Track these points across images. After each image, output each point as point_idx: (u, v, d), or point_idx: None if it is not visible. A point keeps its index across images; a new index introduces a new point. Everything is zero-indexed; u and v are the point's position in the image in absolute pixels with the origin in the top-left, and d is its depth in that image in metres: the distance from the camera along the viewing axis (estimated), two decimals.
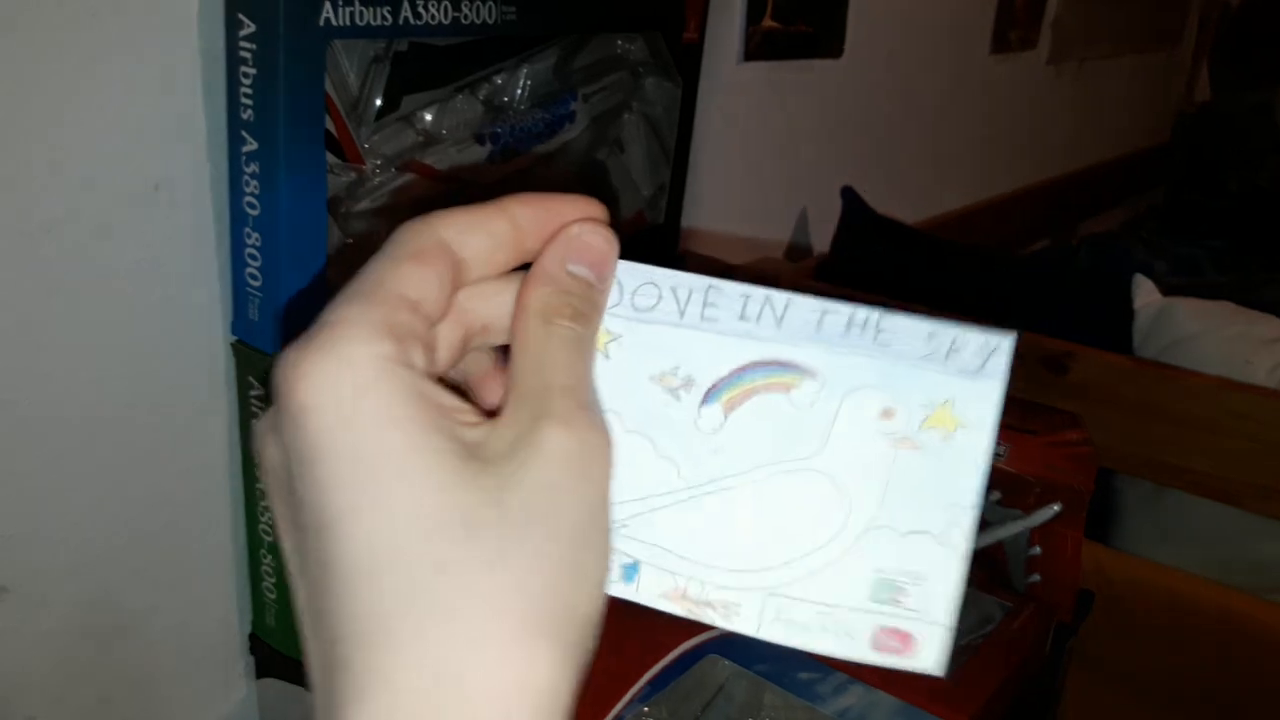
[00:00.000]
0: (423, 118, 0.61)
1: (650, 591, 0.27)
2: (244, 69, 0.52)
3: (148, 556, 0.60)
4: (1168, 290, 0.97)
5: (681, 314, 0.27)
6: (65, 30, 0.49)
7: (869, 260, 1.04)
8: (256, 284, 0.56)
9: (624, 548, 0.27)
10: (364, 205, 0.59)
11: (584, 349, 0.26)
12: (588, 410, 0.25)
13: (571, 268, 0.26)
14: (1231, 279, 1.61)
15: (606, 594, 0.24)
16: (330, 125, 0.56)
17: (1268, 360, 0.84)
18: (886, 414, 0.26)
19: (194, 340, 0.59)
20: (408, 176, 0.61)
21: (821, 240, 1.16)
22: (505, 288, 0.27)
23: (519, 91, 0.65)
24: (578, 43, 0.69)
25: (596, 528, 0.24)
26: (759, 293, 0.26)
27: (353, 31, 0.52)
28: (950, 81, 1.36)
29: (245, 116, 0.53)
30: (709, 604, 0.27)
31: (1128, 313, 0.94)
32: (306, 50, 0.51)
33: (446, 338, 0.26)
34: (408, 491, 0.22)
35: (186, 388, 0.59)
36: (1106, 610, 0.73)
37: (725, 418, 0.27)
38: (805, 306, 0.26)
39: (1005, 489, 0.69)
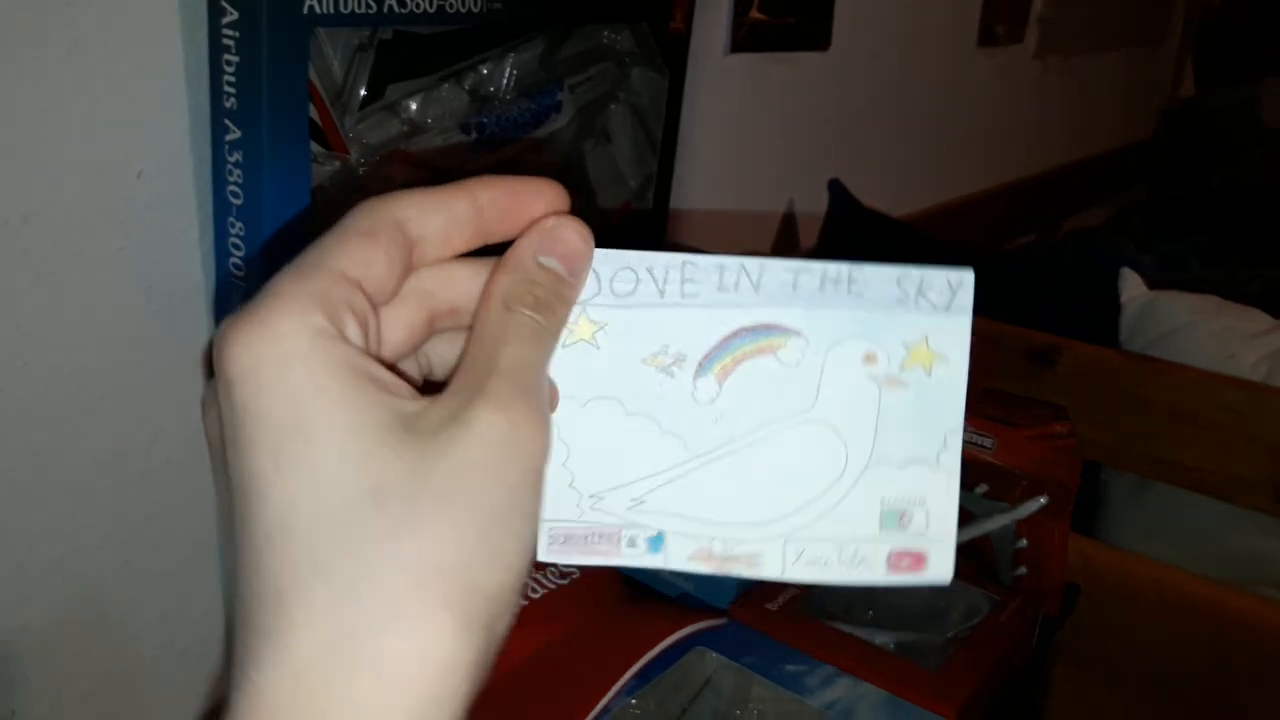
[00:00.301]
0: (408, 107, 0.60)
1: (679, 557, 0.29)
2: (227, 56, 0.51)
3: (131, 550, 0.60)
4: (1153, 285, 0.97)
5: (662, 294, 0.28)
6: (45, 17, 0.48)
7: (856, 253, 1.03)
8: (240, 274, 0.56)
9: (646, 521, 0.29)
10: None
11: (540, 339, 0.26)
12: (527, 396, 0.25)
13: (543, 259, 0.27)
14: (1216, 274, 1.62)
15: (519, 575, 0.24)
16: (314, 114, 0.55)
17: (1253, 353, 0.84)
18: (869, 359, 0.28)
19: (177, 331, 0.58)
20: (392, 166, 0.60)
21: (808, 233, 1.16)
22: (474, 272, 0.27)
23: (505, 81, 0.64)
24: (564, 33, 0.68)
25: (517, 511, 0.24)
26: (733, 262, 0.28)
27: (337, 19, 0.52)
28: (937, 75, 1.36)
29: (228, 105, 0.52)
30: (734, 559, 0.29)
31: (1114, 306, 0.94)
32: (290, 38, 0.51)
33: (405, 319, 0.27)
34: (326, 459, 0.22)
35: (170, 379, 0.58)
36: (1092, 603, 0.74)
37: (720, 387, 0.28)
38: (780, 268, 0.28)
39: (992, 482, 0.69)
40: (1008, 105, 1.59)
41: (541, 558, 0.29)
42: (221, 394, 0.23)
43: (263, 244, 0.54)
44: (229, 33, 0.51)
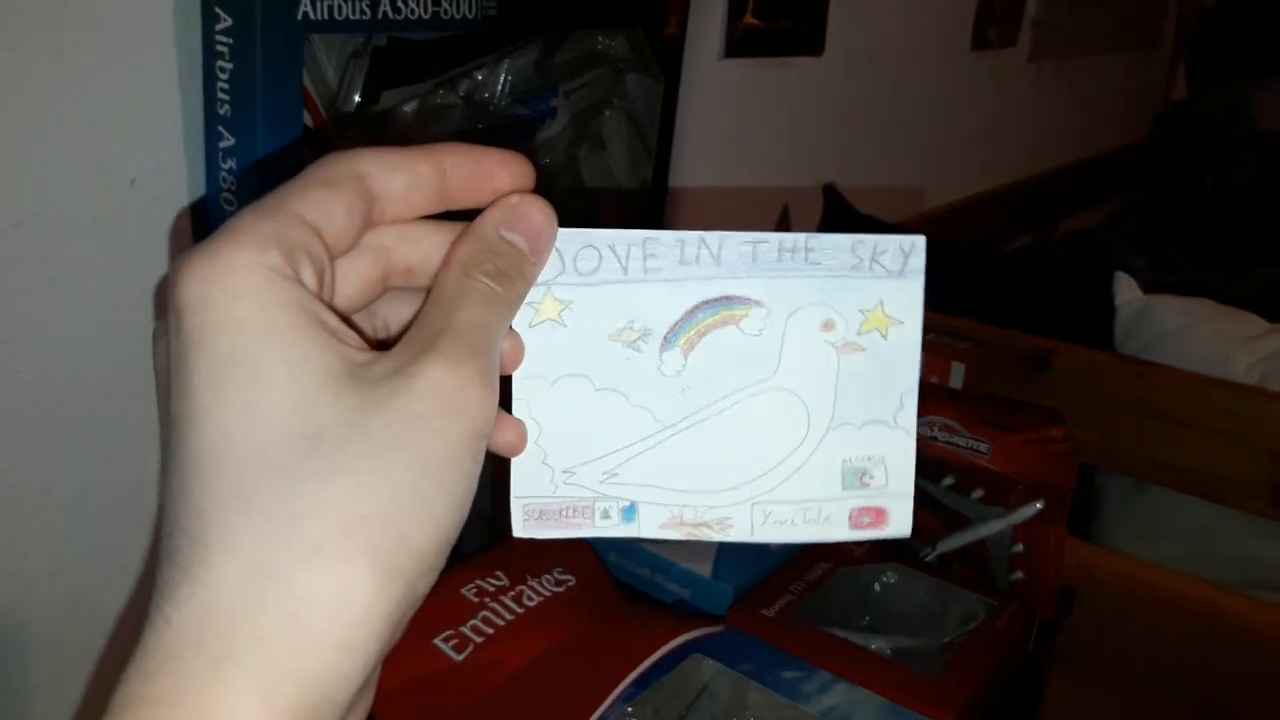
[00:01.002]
0: (403, 113, 0.60)
1: (651, 524, 0.30)
2: (221, 63, 0.51)
3: (128, 555, 0.59)
4: (1147, 287, 0.98)
5: (625, 270, 0.28)
6: (38, 23, 0.48)
7: None
8: None
9: (619, 493, 0.30)
10: None
11: (494, 307, 0.26)
12: (477, 359, 0.25)
13: (505, 233, 0.27)
14: (1209, 276, 1.62)
15: (448, 536, 0.24)
16: (309, 120, 0.55)
17: (1247, 357, 0.85)
18: (828, 325, 0.29)
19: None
20: None
21: None
22: (433, 233, 0.27)
23: (500, 87, 0.64)
24: (559, 39, 0.68)
25: (453, 469, 0.24)
26: (693, 236, 0.29)
27: (331, 26, 0.52)
28: (931, 79, 1.36)
29: (222, 111, 0.52)
30: (705, 524, 0.30)
31: (1109, 309, 0.94)
32: (284, 44, 0.51)
33: (360, 272, 0.27)
34: (265, 395, 0.22)
35: None
36: (1087, 606, 0.74)
37: (686, 359, 0.29)
38: (738, 241, 0.29)
39: (987, 486, 0.69)
40: (1001, 109, 1.59)
41: (517, 534, 0.30)
42: (172, 323, 0.23)
43: None
44: (223, 39, 0.50)
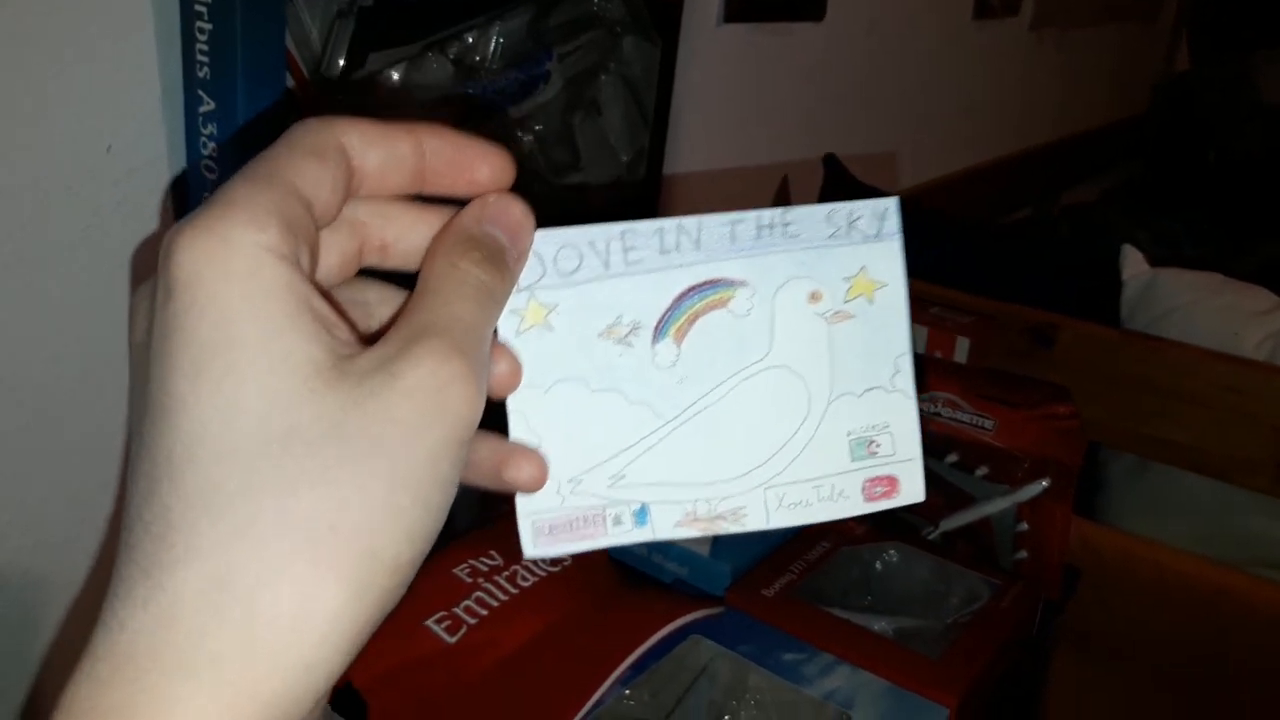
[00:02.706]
0: (390, 77, 0.58)
1: (665, 525, 0.29)
2: (199, 24, 0.49)
3: (109, 539, 0.58)
4: (1150, 262, 0.96)
5: (607, 265, 0.28)
6: None
7: None
8: None
9: (629, 495, 0.29)
10: None
11: (481, 299, 0.25)
12: (464, 357, 0.24)
13: (487, 227, 0.26)
14: (1210, 251, 1.61)
15: (422, 546, 0.23)
16: (291, 84, 0.53)
17: (1257, 332, 0.83)
18: (814, 297, 0.29)
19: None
20: None
21: None
22: (407, 211, 0.27)
23: (491, 50, 0.62)
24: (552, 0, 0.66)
25: (432, 478, 0.23)
26: (671, 223, 0.28)
27: None
28: (932, 46, 1.34)
29: (201, 75, 0.50)
30: (720, 516, 0.29)
31: (1115, 284, 0.93)
32: (265, 4, 0.49)
33: (340, 245, 0.26)
34: (244, 390, 0.21)
35: None
36: (1092, 585, 0.73)
37: (679, 348, 0.29)
38: (716, 222, 0.28)
39: (992, 463, 0.67)
40: (1003, 78, 1.58)
41: (529, 555, 0.28)
42: (160, 297, 0.22)
43: None
44: None
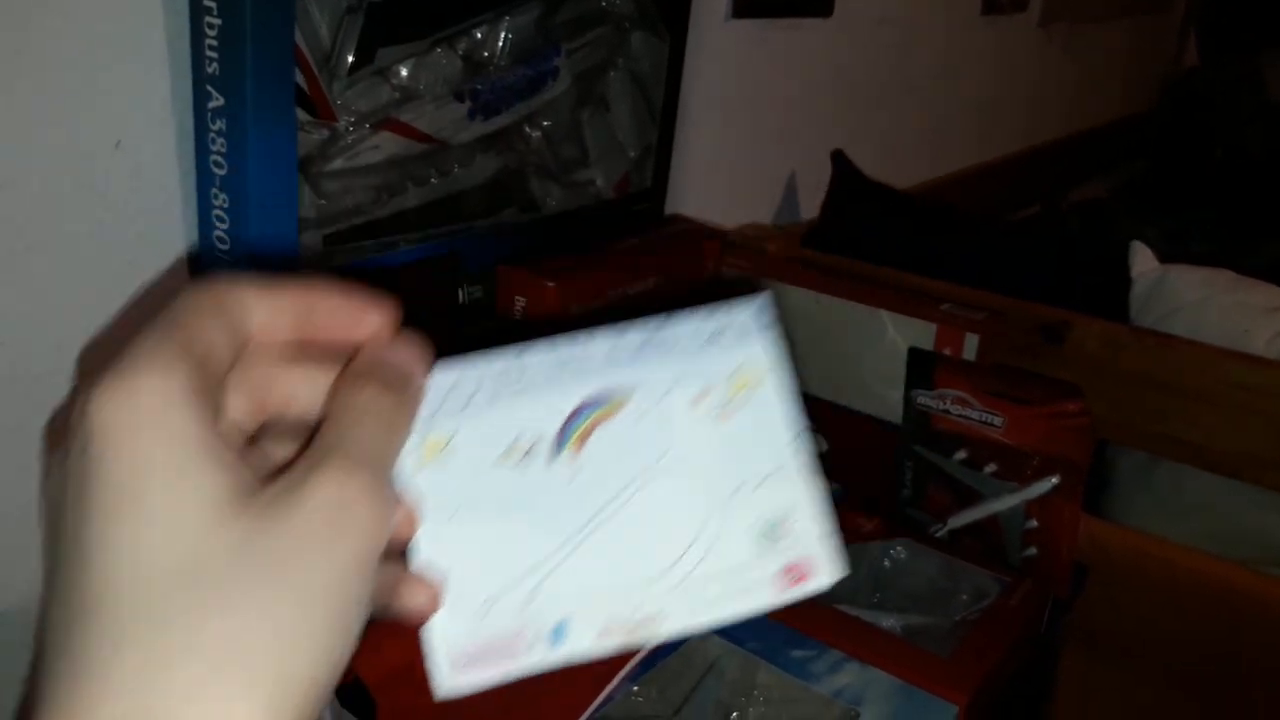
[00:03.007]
0: (398, 72, 0.58)
1: (584, 639, 0.29)
2: (209, 19, 0.49)
3: None
4: (1159, 258, 0.96)
5: (501, 390, 0.29)
6: None
7: (860, 226, 1.01)
8: (225, 247, 0.54)
9: (544, 613, 0.29)
10: (337, 164, 0.56)
11: (382, 423, 0.26)
12: (369, 473, 0.24)
13: (384, 361, 0.27)
14: (1218, 247, 1.61)
15: (337, 662, 0.24)
16: (301, 79, 0.53)
17: (1268, 330, 0.83)
18: (701, 397, 0.30)
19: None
20: (382, 134, 0.58)
21: (810, 205, 1.14)
22: (308, 362, 0.28)
23: (500, 46, 0.62)
24: None
25: (342, 595, 0.23)
26: (561, 340, 0.29)
27: None
28: (941, 42, 1.34)
29: (210, 70, 0.50)
30: (638, 624, 0.29)
31: (1125, 281, 0.92)
32: (274, 0, 0.48)
33: (245, 395, 0.27)
34: (153, 530, 0.22)
35: None
36: (1101, 583, 0.72)
37: (577, 462, 0.29)
38: (603, 339, 0.29)
39: (1001, 461, 0.67)
40: (1012, 75, 1.57)
41: (443, 693, 0.28)
42: (75, 452, 0.23)
43: (247, 216, 0.52)
44: None
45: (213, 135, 0.51)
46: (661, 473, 0.30)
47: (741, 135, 1.02)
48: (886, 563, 0.68)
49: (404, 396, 0.27)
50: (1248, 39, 2.18)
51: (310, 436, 0.26)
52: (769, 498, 0.30)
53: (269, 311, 0.27)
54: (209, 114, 0.51)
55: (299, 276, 0.27)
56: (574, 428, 0.29)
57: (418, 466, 0.28)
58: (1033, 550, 0.67)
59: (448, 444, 0.28)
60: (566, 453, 0.29)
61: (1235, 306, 0.86)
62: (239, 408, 0.27)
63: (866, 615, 0.61)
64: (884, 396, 0.73)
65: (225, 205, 0.52)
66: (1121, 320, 0.91)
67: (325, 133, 0.56)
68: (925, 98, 1.35)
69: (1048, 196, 1.78)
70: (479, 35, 0.61)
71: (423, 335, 0.28)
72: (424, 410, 0.28)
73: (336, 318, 0.28)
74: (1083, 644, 0.73)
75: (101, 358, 0.26)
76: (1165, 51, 2.29)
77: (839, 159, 1.06)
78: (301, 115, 0.53)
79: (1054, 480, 0.65)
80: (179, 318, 0.25)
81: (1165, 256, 0.96)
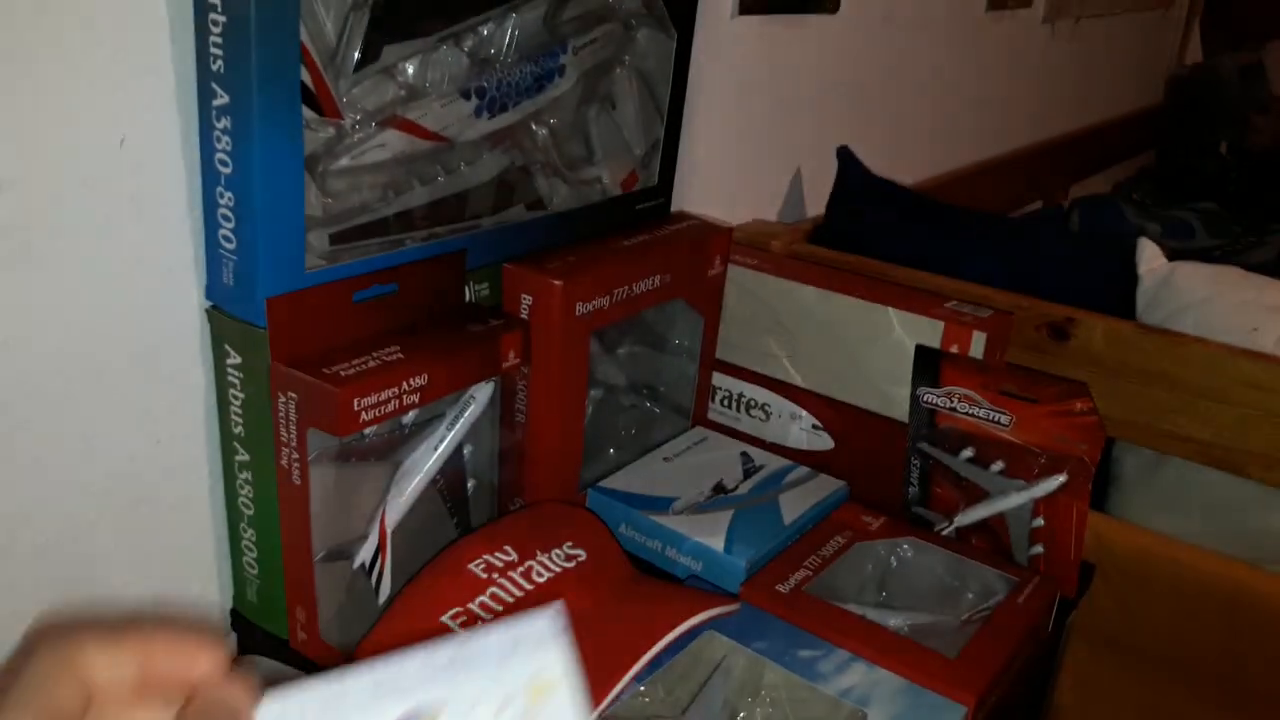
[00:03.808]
0: (404, 70, 0.57)
1: None
2: (213, 16, 0.49)
3: (123, 532, 0.58)
4: (1165, 255, 0.95)
5: (325, 716, 0.30)
6: None
7: (866, 223, 1.01)
8: (230, 246, 0.53)
9: None
10: (343, 163, 0.56)
11: None
12: None
13: (212, 702, 0.30)
14: (1223, 243, 1.60)
15: None
16: (306, 77, 0.53)
17: (1276, 327, 0.82)
18: (502, 709, 0.32)
19: (165, 306, 0.56)
20: (388, 132, 0.58)
21: (816, 201, 1.14)
22: (148, 708, 0.30)
23: (506, 43, 0.62)
24: None
25: None
26: (379, 663, 0.31)
27: None
28: (946, 38, 1.33)
29: (215, 68, 0.50)
30: None
31: (1131, 277, 0.92)
32: None
33: None
34: None
35: (158, 356, 0.56)
36: (1107, 581, 0.72)
37: None
38: (412, 660, 0.32)
39: (1008, 459, 0.67)
40: (1017, 70, 1.57)
41: None
42: None
43: (253, 215, 0.52)
44: None
45: (218, 133, 0.51)
46: None
47: (747, 132, 1.01)
48: (893, 561, 0.68)
49: None
50: (1251, 34, 2.18)
51: None
52: None
53: (111, 662, 0.29)
54: (214, 112, 0.51)
55: (137, 624, 0.30)
56: None
57: None
58: (1039, 548, 0.67)
59: None
60: None
61: (1243, 304, 0.85)
62: None
63: (873, 614, 0.61)
64: (890, 394, 0.73)
65: (231, 204, 0.52)
66: (1129, 318, 0.91)
67: (331, 131, 0.55)
68: (931, 94, 1.34)
69: (1050, 193, 1.78)
70: (485, 33, 0.61)
71: (252, 675, 0.31)
72: None
73: (173, 660, 0.30)
74: (1089, 642, 0.73)
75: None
76: (1169, 46, 2.28)
77: (845, 155, 1.06)
78: (307, 113, 0.53)
79: (1061, 478, 0.65)
80: (33, 682, 0.28)
81: (1172, 251, 0.96)
